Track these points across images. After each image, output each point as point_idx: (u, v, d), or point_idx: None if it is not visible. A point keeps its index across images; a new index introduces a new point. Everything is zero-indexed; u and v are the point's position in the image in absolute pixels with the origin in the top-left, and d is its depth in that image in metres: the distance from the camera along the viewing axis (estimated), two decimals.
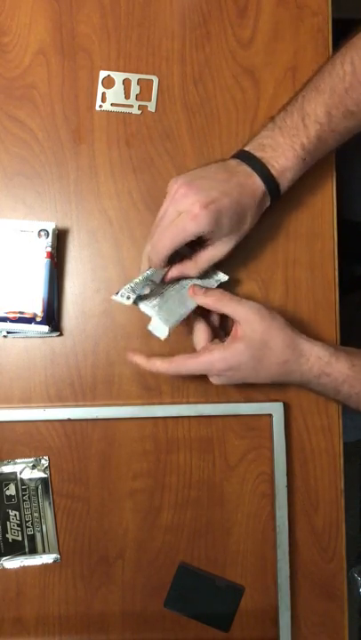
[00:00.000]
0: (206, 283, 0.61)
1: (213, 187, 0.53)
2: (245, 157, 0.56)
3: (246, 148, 0.57)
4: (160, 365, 0.57)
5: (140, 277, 0.57)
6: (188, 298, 0.59)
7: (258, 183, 0.55)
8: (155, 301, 0.57)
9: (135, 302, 0.56)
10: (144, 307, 0.57)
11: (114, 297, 0.55)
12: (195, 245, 0.57)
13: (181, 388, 0.65)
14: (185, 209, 0.53)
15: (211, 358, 0.56)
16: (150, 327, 0.57)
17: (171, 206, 0.54)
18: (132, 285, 0.56)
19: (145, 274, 0.57)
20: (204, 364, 0.56)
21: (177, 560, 0.65)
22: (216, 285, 0.61)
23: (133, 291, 0.55)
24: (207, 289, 0.59)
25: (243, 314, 0.56)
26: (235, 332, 0.57)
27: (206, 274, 0.60)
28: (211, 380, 0.58)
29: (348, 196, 0.94)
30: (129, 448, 0.65)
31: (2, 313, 0.61)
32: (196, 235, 0.53)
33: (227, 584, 0.65)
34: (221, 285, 0.61)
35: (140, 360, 0.58)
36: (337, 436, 0.66)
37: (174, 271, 0.58)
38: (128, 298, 0.55)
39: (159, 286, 0.58)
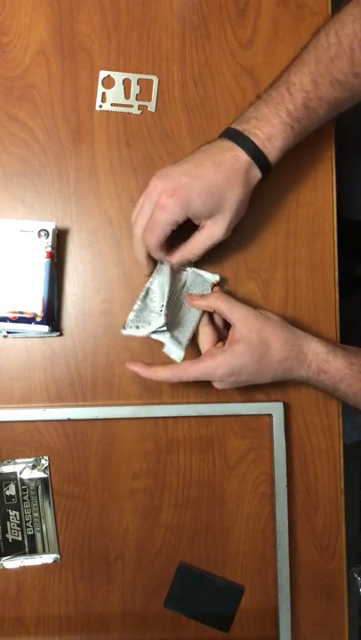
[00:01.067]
0: (201, 289, 0.62)
1: (184, 172, 0.54)
2: (228, 133, 0.56)
3: (232, 125, 0.56)
4: (162, 374, 0.57)
5: (140, 298, 0.58)
6: (190, 310, 0.60)
7: (240, 155, 0.54)
8: (163, 326, 0.58)
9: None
10: (155, 335, 0.58)
11: (123, 332, 0.57)
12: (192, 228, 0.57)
13: (181, 388, 0.65)
14: (155, 200, 0.54)
15: (213, 363, 0.56)
16: (165, 350, 0.58)
17: (145, 200, 0.55)
18: (136, 312, 0.57)
19: (144, 290, 0.59)
20: (207, 369, 0.56)
21: (177, 560, 0.65)
22: (210, 289, 0.62)
23: (138, 317, 0.57)
24: (203, 294, 0.60)
25: (238, 314, 0.57)
26: (232, 335, 0.57)
27: (196, 281, 0.62)
28: (215, 385, 0.58)
29: (348, 195, 0.94)
30: (129, 448, 0.65)
31: (2, 313, 0.61)
32: (172, 224, 0.54)
33: (227, 584, 0.65)
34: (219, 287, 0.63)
35: (140, 369, 0.58)
36: (337, 436, 0.66)
37: (176, 257, 0.58)
38: (138, 327, 0.57)
39: (167, 308, 0.58)
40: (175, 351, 0.58)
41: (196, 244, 0.57)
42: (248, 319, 0.56)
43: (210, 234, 0.56)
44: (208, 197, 0.54)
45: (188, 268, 0.62)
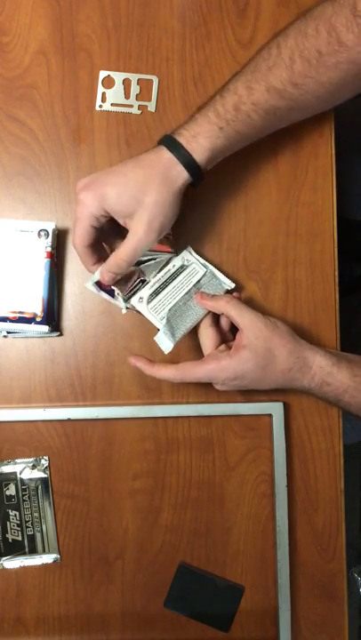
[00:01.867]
0: (213, 291, 0.61)
1: (104, 171, 0.54)
2: (160, 140, 0.55)
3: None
4: (165, 372, 0.57)
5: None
6: (195, 307, 0.59)
7: (162, 154, 0.53)
8: (163, 313, 0.58)
9: (139, 311, 0.58)
10: (153, 319, 0.58)
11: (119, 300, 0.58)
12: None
13: (181, 388, 0.65)
14: (76, 201, 0.54)
15: (217, 367, 0.56)
16: (156, 339, 0.58)
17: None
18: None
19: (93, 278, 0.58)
20: (211, 372, 0.56)
21: (177, 560, 0.65)
22: (224, 292, 0.61)
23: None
24: (214, 295, 0.59)
25: (247, 320, 0.56)
26: (239, 340, 0.57)
27: (211, 282, 0.61)
28: (216, 387, 0.58)
29: (348, 196, 0.95)
30: (129, 448, 0.65)
31: (2, 313, 0.61)
32: (89, 217, 0.53)
33: (227, 584, 0.65)
34: (230, 292, 0.62)
35: (142, 365, 0.58)
36: (337, 437, 0.66)
37: (106, 265, 0.55)
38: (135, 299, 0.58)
39: (169, 295, 0.59)
40: (166, 342, 0.57)
41: (123, 249, 0.54)
42: (257, 326, 0.56)
43: (133, 234, 0.53)
44: (124, 190, 0.52)
45: (208, 266, 0.61)
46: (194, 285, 0.60)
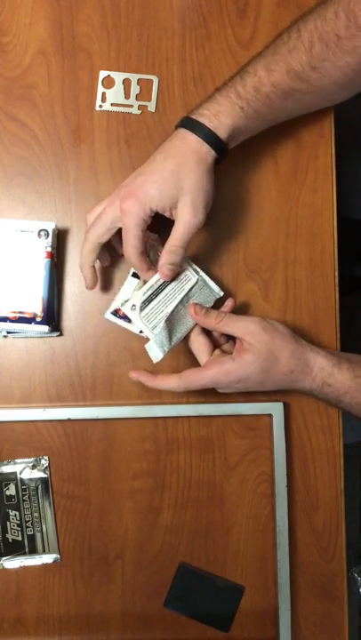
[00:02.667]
0: (204, 300, 0.60)
1: (138, 173, 0.55)
2: (179, 122, 0.56)
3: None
4: (168, 383, 0.57)
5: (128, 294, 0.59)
6: (186, 317, 0.58)
7: (187, 137, 0.54)
8: (155, 322, 0.57)
9: (130, 320, 0.58)
10: (145, 327, 0.57)
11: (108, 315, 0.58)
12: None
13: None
14: (117, 208, 0.54)
15: (221, 371, 0.55)
16: (147, 346, 0.57)
17: (108, 207, 0.56)
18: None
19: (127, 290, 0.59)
20: (215, 376, 0.56)
21: (177, 560, 0.65)
22: (214, 301, 0.60)
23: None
24: (207, 309, 0.58)
25: (244, 329, 0.56)
26: (240, 344, 0.56)
27: (202, 290, 0.60)
28: (218, 390, 0.59)
29: (348, 196, 0.95)
30: (129, 448, 0.65)
31: (2, 313, 0.61)
32: (139, 224, 0.53)
33: (227, 584, 0.65)
34: (219, 300, 0.61)
35: (145, 379, 0.58)
36: (337, 436, 0.66)
37: (162, 259, 0.56)
38: (133, 307, 0.57)
39: (161, 303, 0.58)
40: (155, 351, 0.56)
41: (173, 235, 0.55)
42: (255, 331, 0.56)
43: (181, 220, 0.54)
44: (163, 184, 0.53)
45: (200, 272, 0.60)
46: (186, 294, 0.59)
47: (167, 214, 0.55)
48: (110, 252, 0.63)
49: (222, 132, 0.54)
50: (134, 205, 0.53)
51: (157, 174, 0.54)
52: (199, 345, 0.59)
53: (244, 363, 0.55)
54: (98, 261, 0.60)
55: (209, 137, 0.54)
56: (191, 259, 0.61)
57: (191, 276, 0.59)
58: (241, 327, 0.56)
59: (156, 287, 0.57)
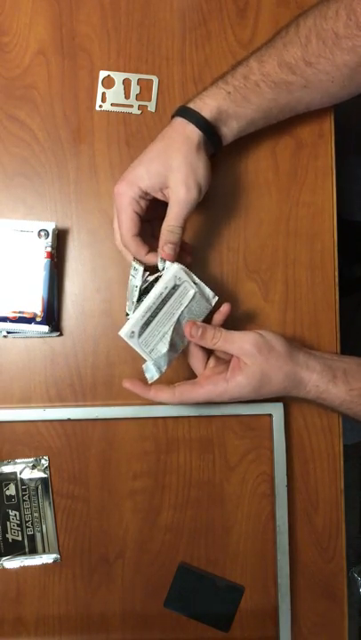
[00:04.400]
0: (200, 311, 0.58)
1: (133, 162, 0.56)
2: (174, 112, 0.57)
3: None
4: (162, 396, 0.56)
5: (132, 298, 0.57)
6: (181, 334, 0.57)
7: (175, 121, 0.56)
8: (152, 345, 0.56)
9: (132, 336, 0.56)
10: (142, 352, 0.56)
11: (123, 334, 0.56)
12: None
13: None
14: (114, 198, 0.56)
15: (214, 390, 0.55)
16: (144, 367, 0.56)
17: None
18: (133, 321, 0.56)
19: (132, 287, 0.57)
20: (209, 394, 0.56)
21: (177, 560, 0.65)
22: (209, 309, 0.59)
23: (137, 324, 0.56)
24: (203, 329, 0.56)
25: (240, 350, 0.55)
26: (235, 363, 0.56)
27: (199, 302, 0.58)
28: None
29: (348, 196, 0.94)
30: (129, 448, 0.65)
31: (2, 313, 0.61)
32: (131, 203, 0.54)
33: (227, 584, 0.65)
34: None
35: (139, 390, 0.57)
36: (337, 437, 0.66)
37: (161, 241, 0.55)
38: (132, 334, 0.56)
39: (159, 324, 0.57)
40: (152, 372, 0.56)
41: (169, 215, 0.55)
42: (251, 353, 0.55)
43: (174, 198, 0.54)
44: (151, 163, 0.54)
45: (197, 282, 0.57)
46: (183, 310, 0.57)
47: (158, 195, 0.55)
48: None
49: (206, 112, 0.55)
50: (123, 186, 0.54)
51: (146, 156, 0.55)
52: (194, 358, 0.59)
53: (237, 384, 0.55)
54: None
55: (193, 116, 0.55)
56: (189, 264, 0.59)
57: (190, 288, 0.57)
58: (236, 348, 0.55)
59: (154, 308, 0.56)
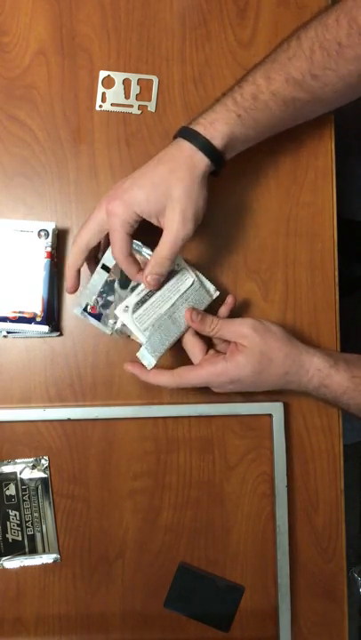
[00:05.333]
0: (199, 301, 0.58)
1: (128, 178, 0.54)
2: (177, 132, 0.55)
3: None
4: (160, 378, 0.57)
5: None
6: (179, 320, 0.57)
7: (182, 145, 0.53)
8: (147, 324, 0.56)
9: (123, 326, 0.57)
10: (136, 330, 0.56)
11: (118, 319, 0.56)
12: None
13: (181, 389, 0.65)
14: (103, 212, 0.53)
15: (214, 371, 0.56)
16: (138, 354, 0.57)
17: (91, 216, 0.55)
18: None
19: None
20: (207, 376, 0.56)
21: (177, 560, 0.65)
22: (209, 302, 0.59)
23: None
24: (203, 315, 0.57)
25: (237, 332, 0.56)
26: (233, 347, 0.56)
27: (199, 292, 0.58)
28: (212, 389, 0.59)
29: (348, 196, 0.94)
30: (129, 448, 0.65)
31: (2, 313, 0.61)
32: (123, 225, 0.52)
33: (227, 584, 0.65)
34: (216, 299, 0.60)
35: (138, 372, 0.58)
36: (337, 436, 0.66)
37: (148, 268, 0.54)
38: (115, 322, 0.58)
39: (155, 304, 0.57)
40: (148, 358, 0.56)
41: (161, 246, 0.53)
42: (249, 333, 0.56)
43: (169, 229, 0.53)
44: (152, 189, 0.52)
45: (197, 274, 0.58)
46: (181, 295, 0.57)
47: (153, 221, 0.54)
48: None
49: (218, 141, 0.53)
50: (119, 206, 0.52)
51: (147, 178, 0.52)
52: (192, 346, 0.59)
53: (236, 364, 0.55)
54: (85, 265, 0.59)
55: (204, 145, 0.53)
56: (190, 261, 0.60)
57: (189, 276, 0.58)
58: (234, 331, 0.56)
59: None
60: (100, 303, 0.60)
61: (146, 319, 0.57)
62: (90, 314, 0.60)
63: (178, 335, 0.58)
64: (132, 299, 0.56)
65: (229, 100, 0.54)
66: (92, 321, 0.60)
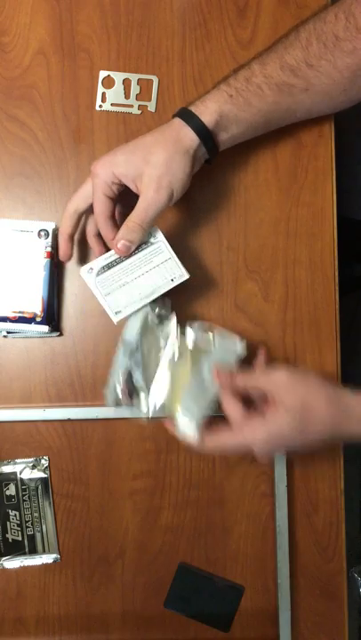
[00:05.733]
0: (226, 358, 0.56)
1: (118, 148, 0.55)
2: (175, 112, 0.56)
3: None
4: (200, 444, 0.54)
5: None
6: (211, 383, 0.55)
7: (174, 121, 0.55)
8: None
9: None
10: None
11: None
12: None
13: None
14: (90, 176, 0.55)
15: (252, 430, 0.52)
16: (180, 429, 0.55)
17: (88, 178, 0.56)
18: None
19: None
20: (246, 437, 0.52)
21: (177, 560, 0.65)
22: (236, 359, 0.57)
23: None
24: (231, 371, 0.54)
25: (274, 383, 0.53)
26: (271, 399, 0.53)
27: (223, 349, 0.56)
28: (257, 456, 0.54)
29: (349, 195, 0.94)
30: (129, 448, 0.65)
31: (2, 313, 0.61)
32: (102, 186, 0.53)
33: (227, 584, 0.65)
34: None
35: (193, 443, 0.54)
36: None
37: (121, 232, 0.54)
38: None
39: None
40: (190, 429, 0.54)
41: (134, 211, 0.53)
42: (287, 383, 0.52)
43: (143, 195, 0.53)
44: (132, 153, 0.54)
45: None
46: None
47: (132, 187, 0.54)
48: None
49: (207, 117, 0.54)
50: (100, 167, 0.53)
51: (131, 146, 0.54)
52: (230, 405, 0.54)
53: (275, 417, 0.51)
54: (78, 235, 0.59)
55: (191, 120, 0.54)
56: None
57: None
58: (270, 382, 0.53)
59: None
60: (127, 392, 0.57)
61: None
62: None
63: (213, 398, 0.55)
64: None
65: (223, 83, 0.56)
66: (125, 403, 0.58)
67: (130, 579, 0.65)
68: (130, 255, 0.55)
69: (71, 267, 0.65)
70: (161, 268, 0.56)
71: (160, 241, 0.56)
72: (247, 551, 0.65)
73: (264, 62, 0.55)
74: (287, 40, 0.55)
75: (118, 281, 0.56)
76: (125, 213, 0.55)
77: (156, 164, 0.53)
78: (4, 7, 0.65)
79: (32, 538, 0.64)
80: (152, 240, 0.56)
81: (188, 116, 0.54)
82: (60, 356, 0.64)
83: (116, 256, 0.55)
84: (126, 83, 0.65)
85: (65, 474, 0.64)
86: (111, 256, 0.56)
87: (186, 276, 0.56)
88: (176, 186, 0.53)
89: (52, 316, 0.62)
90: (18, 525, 0.64)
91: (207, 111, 0.54)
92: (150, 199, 0.53)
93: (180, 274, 0.56)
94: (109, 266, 0.56)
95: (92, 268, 0.56)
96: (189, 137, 0.54)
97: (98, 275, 0.56)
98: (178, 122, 0.54)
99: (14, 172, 0.65)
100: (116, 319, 0.56)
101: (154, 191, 0.53)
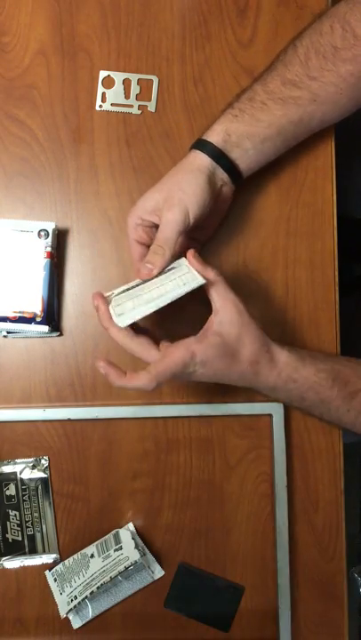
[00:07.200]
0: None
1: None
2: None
3: None
4: (137, 381, 0.51)
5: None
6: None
7: (189, 153, 0.58)
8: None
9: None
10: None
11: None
12: None
13: (181, 389, 0.65)
14: None
15: (187, 353, 0.50)
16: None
17: None
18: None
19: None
20: (184, 359, 0.50)
21: (177, 560, 0.65)
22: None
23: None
24: (205, 264, 0.53)
25: (227, 304, 0.52)
26: (210, 323, 0.52)
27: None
28: (190, 379, 0.53)
29: (349, 195, 0.94)
30: (129, 448, 0.65)
31: (2, 313, 0.61)
32: (131, 232, 0.57)
33: (227, 584, 0.65)
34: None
35: (113, 377, 0.52)
36: (337, 436, 0.66)
37: (144, 260, 0.55)
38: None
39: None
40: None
41: (157, 235, 0.54)
42: (234, 311, 0.52)
43: (163, 218, 0.54)
44: (150, 190, 0.57)
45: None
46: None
47: (155, 220, 0.56)
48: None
49: (213, 137, 0.57)
50: (129, 216, 0.58)
51: (159, 182, 0.57)
52: (140, 344, 0.53)
53: (210, 344, 0.51)
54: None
55: (201, 144, 0.57)
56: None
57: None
58: (227, 298, 0.52)
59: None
60: None
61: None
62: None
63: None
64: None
65: (228, 108, 0.58)
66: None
67: None
68: (148, 280, 0.54)
69: (71, 267, 0.65)
70: (177, 279, 0.53)
71: (183, 264, 0.54)
72: (247, 551, 0.65)
73: (265, 81, 0.57)
74: (286, 57, 0.56)
75: (132, 295, 0.53)
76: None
77: (168, 189, 0.55)
78: (4, 7, 0.65)
79: (32, 538, 0.64)
80: (175, 265, 0.55)
81: (197, 143, 0.57)
82: (60, 356, 0.64)
83: (135, 283, 0.56)
84: (126, 83, 0.65)
85: (65, 474, 0.64)
86: (131, 283, 0.56)
87: (201, 280, 0.52)
88: (189, 202, 0.54)
89: (52, 315, 0.62)
90: (18, 525, 0.64)
91: (214, 133, 0.57)
92: (165, 219, 0.54)
93: (193, 278, 0.52)
94: (129, 289, 0.55)
95: (113, 292, 0.56)
96: (200, 158, 0.56)
97: (115, 295, 0.55)
98: (191, 152, 0.57)
99: (14, 172, 0.65)
100: (118, 320, 0.52)
101: (167, 210, 0.54)
